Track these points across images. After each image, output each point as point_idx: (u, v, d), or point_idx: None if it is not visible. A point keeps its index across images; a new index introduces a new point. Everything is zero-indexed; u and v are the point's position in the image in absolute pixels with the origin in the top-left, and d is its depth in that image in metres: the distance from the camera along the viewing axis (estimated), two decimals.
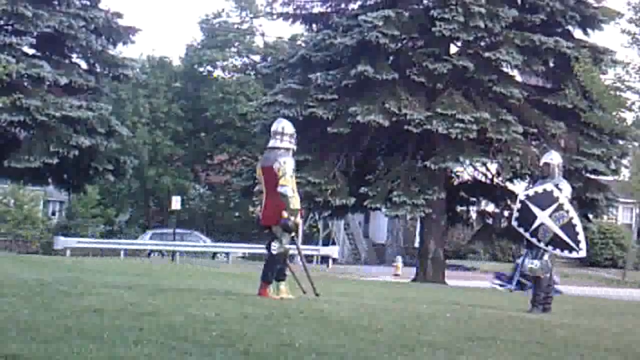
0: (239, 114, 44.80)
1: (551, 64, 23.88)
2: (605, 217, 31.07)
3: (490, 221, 25.94)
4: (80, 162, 26.41)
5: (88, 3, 27.50)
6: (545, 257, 10.63)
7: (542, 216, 10.52)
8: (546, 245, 10.58)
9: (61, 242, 33.04)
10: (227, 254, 34.87)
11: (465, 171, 25.42)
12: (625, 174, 26.30)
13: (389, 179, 22.87)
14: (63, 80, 25.56)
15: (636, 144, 24.69)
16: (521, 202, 10.79)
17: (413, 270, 25.51)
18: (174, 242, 33.46)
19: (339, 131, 22.55)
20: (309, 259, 37.87)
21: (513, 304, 12.76)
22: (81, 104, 25.78)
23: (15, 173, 26.76)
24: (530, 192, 10.85)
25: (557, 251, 10.67)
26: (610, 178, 25.82)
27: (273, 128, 9.60)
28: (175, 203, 32.31)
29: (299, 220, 9.51)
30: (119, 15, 28.26)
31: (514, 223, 10.96)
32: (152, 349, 5.60)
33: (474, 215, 26.54)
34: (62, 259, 25.77)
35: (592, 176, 24.43)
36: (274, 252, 9.40)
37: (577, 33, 24.81)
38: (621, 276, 34.47)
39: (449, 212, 24.90)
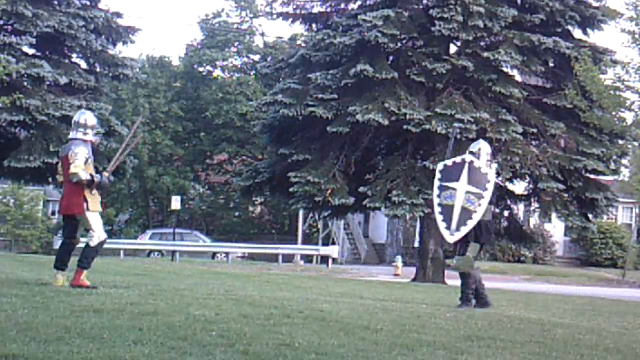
0: (239, 114, 44.81)
1: (551, 64, 23.89)
2: (605, 217, 31.03)
3: None
4: None
5: (88, 3, 27.47)
6: (469, 253, 10.39)
7: (461, 186, 10.22)
8: (439, 205, 10.23)
9: None
10: (227, 254, 34.88)
11: None
12: (625, 174, 26.28)
13: (389, 179, 22.87)
14: (63, 80, 25.54)
15: (636, 144, 24.67)
16: (467, 163, 10.38)
17: (413, 270, 25.50)
18: (174, 242, 33.46)
19: (338, 131, 22.55)
20: (309, 258, 37.94)
21: (513, 304, 12.77)
22: (81, 104, 25.73)
23: (15, 173, 26.75)
24: (477, 163, 10.35)
25: (440, 219, 10.23)
26: (610, 178, 25.81)
27: (75, 119, 9.84)
28: (175, 203, 32.32)
29: (97, 177, 9.62)
30: (119, 15, 28.24)
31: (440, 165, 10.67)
32: (152, 349, 5.60)
33: None
34: None
35: (592, 176, 24.43)
36: (93, 244, 9.66)
37: (577, 33, 24.83)
38: (621, 276, 34.48)
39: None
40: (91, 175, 9.51)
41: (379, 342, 6.58)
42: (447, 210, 10.19)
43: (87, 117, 9.80)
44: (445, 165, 10.45)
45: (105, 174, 9.76)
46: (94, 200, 9.59)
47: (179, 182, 44.69)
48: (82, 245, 9.94)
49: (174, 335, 6.14)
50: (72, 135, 9.76)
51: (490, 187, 10.23)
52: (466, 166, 10.31)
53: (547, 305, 13.66)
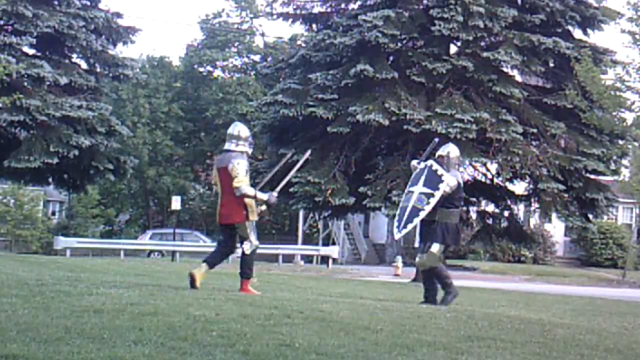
0: (239, 114, 44.79)
1: (551, 64, 23.89)
2: (605, 217, 31.03)
3: (490, 221, 25.92)
4: (81, 162, 26.41)
5: (88, 3, 27.50)
6: (433, 249, 10.53)
7: (417, 189, 10.44)
8: (399, 208, 10.65)
9: (61, 242, 33.06)
10: None
11: (465, 171, 25.40)
12: (625, 174, 26.28)
13: (389, 179, 22.87)
14: (63, 80, 25.54)
15: (636, 144, 24.67)
16: (427, 167, 10.65)
17: (413, 270, 25.47)
18: (174, 242, 33.45)
19: (338, 131, 22.56)
20: (309, 259, 37.93)
21: (513, 304, 12.77)
22: (81, 104, 25.76)
23: (15, 173, 26.75)
24: (435, 166, 10.57)
25: (395, 219, 10.63)
26: (610, 178, 25.81)
27: (229, 131, 10.10)
28: (175, 203, 32.30)
29: (261, 195, 10.01)
30: (119, 15, 28.27)
31: (415, 161, 11.00)
32: (152, 349, 5.60)
33: (474, 215, 26.52)
34: (62, 259, 25.78)
35: (592, 176, 24.43)
36: (247, 252, 9.92)
37: (577, 33, 24.84)
38: (621, 276, 34.47)
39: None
40: (255, 192, 9.88)
41: (379, 342, 6.58)
42: (402, 211, 10.55)
43: (240, 129, 10.04)
44: (415, 174, 10.73)
45: (273, 193, 10.11)
46: (252, 210, 9.89)
47: (179, 182, 44.69)
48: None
49: (174, 335, 6.14)
50: (226, 146, 10.02)
51: (443, 187, 10.39)
52: (426, 170, 10.63)
53: (547, 305, 13.66)
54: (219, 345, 5.91)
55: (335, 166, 23.27)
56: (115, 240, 39.16)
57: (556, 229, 39.10)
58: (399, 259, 32.56)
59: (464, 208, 26.18)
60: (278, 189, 10.42)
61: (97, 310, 7.11)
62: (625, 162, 25.73)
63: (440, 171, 10.50)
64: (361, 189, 22.67)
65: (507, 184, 24.87)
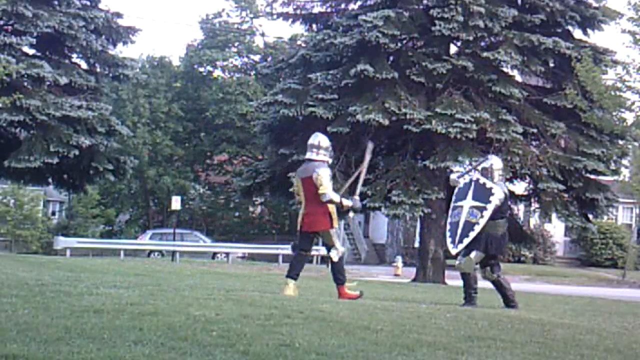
0: (239, 114, 44.78)
1: (551, 64, 23.90)
2: (605, 217, 31.04)
3: None
4: (81, 162, 26.41)
5: (88, 3, 27.50)
6: (472, 255, 10.62)
7: (466, 203, 10.57)
8: (449, 224, 10.80)
9: (61, 242, 33.07)
10: (227, 254, 34.88)
11: None
12: (625, 174, 26.27)
13: (389, 179, 22.87)
14: (63, 80, 25.55)
15: (636, 144, 24.66)
16: (473, 181, 10.76)
17: (413, 270, 25.50)
18: (174, 242, 33.46)
19: (338, 131, 22.55)
20: (309, 258, 37.92)
21: None
22: (81, 104, 25.77)
23: (15, 173, 26.75)
24: (482, 179, 10.69)
25: (447, 235, 10.77)
26: (610, 178, 25.81)
27: (310, 141, 10.55)
28: (175, 203, 32.31)
29: (346, 201, 10.38)
30: (119, 15, 28.26)
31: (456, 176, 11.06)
32: (152, 349, 5.60)
33: None
34: (62, 259, 25.78)
35: (592, 176, 24.43)
36: (335, 259, 10.28)
37: (577, 33, 24.85)
38: (621, 276, 34.48)
39: (448, 212, 24.86)
40: (341, 199, 10.24)
41: (379, 342, 6.58)
42: (454, 227, 10.70)
43: (321, 139, 10.50)
44: (459, 189, 10.88)
45: (356, 198, 10.48)
46: (335, 217, 10.28)
47: (179, 182, 44.68)
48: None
49: (174, 335, 6.14)
50: (307, 155, 10.48)
51: (494, 200, 10.53)
52: (472, 184, 10.77)
53: (547, 305, 13.66)
54: (219, 345, 5.91)
55: (335, 166, 23.26)
56: (115, 240, 39.16)
57: (556, 229, 39.11)
58: (399, 259, 32.58)
59: None
60: (357, 192, 10.65)
61: (97, 310, 7.11)
62: (625, 162, 25.72)
63: (489, 184, 10.62)
64: (361, 189, 22.65)
65: (507, 184, 24.84)
